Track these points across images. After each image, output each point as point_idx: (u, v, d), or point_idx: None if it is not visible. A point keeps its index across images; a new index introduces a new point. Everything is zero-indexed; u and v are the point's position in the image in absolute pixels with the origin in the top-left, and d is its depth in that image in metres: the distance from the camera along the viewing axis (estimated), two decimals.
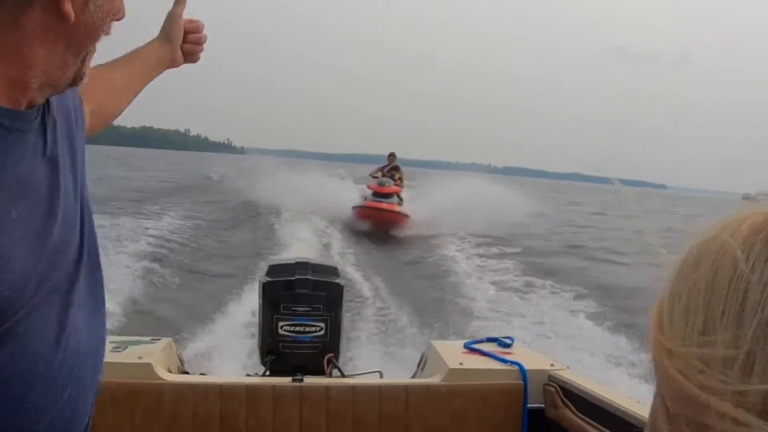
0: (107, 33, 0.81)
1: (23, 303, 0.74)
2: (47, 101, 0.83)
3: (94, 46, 0.81)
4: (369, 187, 15.91)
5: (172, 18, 1.21)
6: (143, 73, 1.20)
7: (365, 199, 15.59)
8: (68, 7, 0.74)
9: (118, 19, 0.82)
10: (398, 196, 15.57)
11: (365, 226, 14.82)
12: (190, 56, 1.26)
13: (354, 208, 15.66)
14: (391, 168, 16.56)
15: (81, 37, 0.77)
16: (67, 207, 0.83)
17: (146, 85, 1.23)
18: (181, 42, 1.23)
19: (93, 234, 0.93)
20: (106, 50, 0.87)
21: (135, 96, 1.22)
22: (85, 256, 0.89)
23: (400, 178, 16.20)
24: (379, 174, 16.44)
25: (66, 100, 0.91)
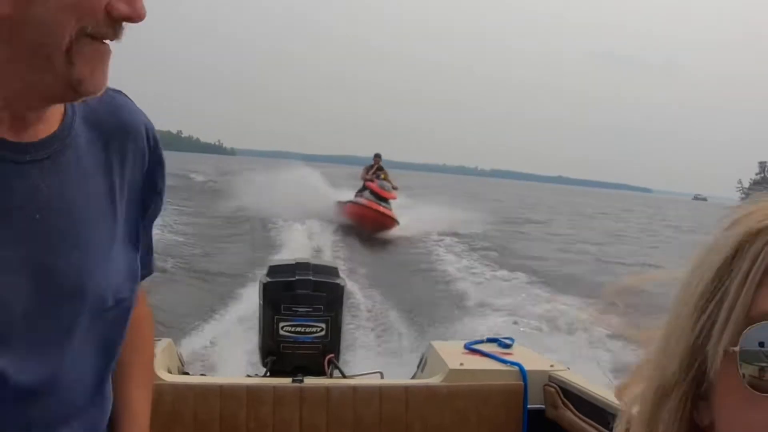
0: (89, 30, 0.70)
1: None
2: (64, 126, 0.77)
3: (85, 43, 0.70)
4: (368, 186, 16.06)
5: None
6: None
7: (361, 197, 15.75)
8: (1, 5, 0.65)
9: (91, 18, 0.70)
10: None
11: (352, 222, 15.10)
12: None
13: (341, 203, 15.98)
14: (377, 168, 17.01)
15: (33, 35, 0.68)
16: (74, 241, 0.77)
17: None
18: None
19: (126, 272, 0.85)
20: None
21: None
22: (110, 301, 0.81)
23: (386, 178, 16.58)
24: (369, 175, 16.74)
25: (125, 126, 0.85)
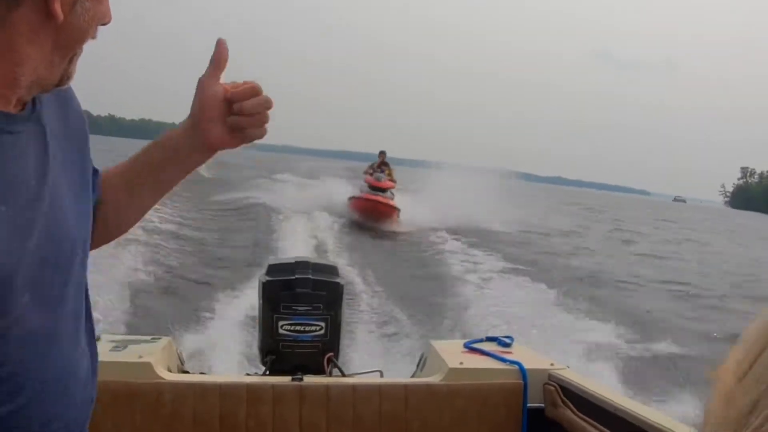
0: (94, 37, 0.82)
1: (10, 292, 0.76)
2: (34, 100, 0.85)
3: (82, 48, 0.83)
4: (366, 181, 17.08)
5: (197, 87, 0.95)
6: (155, 167, 0.99)
7: (361, 192, 16.80)
8: (57, 7, 0.75)
9: (104, 23, 0.83)
10: (391, 192, 16.88)
11: (358, 216, 16.01)
12: (243, 133, 0.96)
13: (350, 198, 16.98)
14: (381, 164, 17.88)
15: (68, 39, 0.79)
16: (61, 203, 0.85)
17: (167, 185, 1.02)
18: (220, 116, 0.94)
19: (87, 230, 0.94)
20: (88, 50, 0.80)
21: (145, 209, 1.06)
22: (79, 254, 0.90)
23: (389, 174, 17.48)
24: (371, 170, 17.77)
25: (65, 95, 0.93)
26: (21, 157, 0.79)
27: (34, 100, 0.85)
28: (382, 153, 18.21)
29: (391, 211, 16.12)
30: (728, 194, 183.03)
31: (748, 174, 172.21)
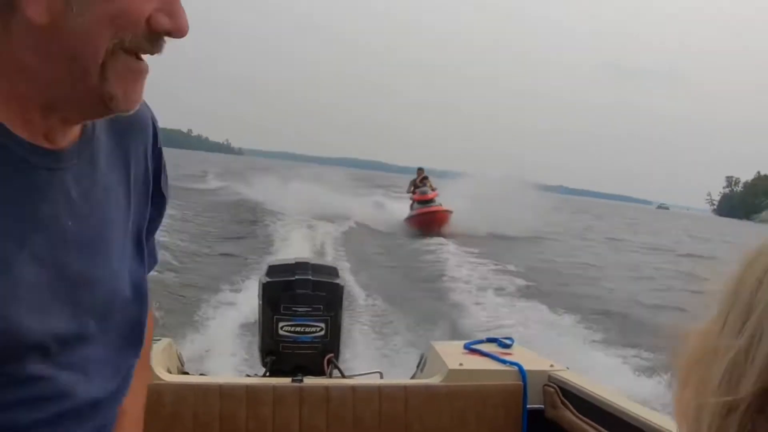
0: (126, 44, 0.67)
1: (23, 343, 0.68)
2: (86, 131, 0.76)
3: (137, 64, 0.69)
4: (414, 199, 18.91)
5: None
6: None
7: (413, 210, 18.73)
8: (32, 11, 0.64)
9: (129, 27, 0.67)
10: (435, 200, 18.67)
11: (420, 230, 17.57)
12: None
13: (406, 219, 18.77)
14: (422, 179, 19.62)
15: (69, 46, 0.66)
16: (106, 254, 0.78)
17: None
18: None
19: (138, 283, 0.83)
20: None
21: None
22: (128, 303, 0.81)
23: (431, 185, 19.24)
24: (413, 187, 19.42)
25: (135, 127, 0.84)
26: (57, 197, 0.71)
27: (87, 132, 0.76)
28: (420, 170, 20.01)
29: (447, 215, 18.08)
30: (714, 202, 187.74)
31: (732, 183, 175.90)
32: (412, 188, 19.51)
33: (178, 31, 0.69)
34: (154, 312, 1.05)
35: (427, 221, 17.93)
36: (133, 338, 0.83)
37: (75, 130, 0.75)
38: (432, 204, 18.47)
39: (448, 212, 18.23)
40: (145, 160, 0.87)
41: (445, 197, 19.02)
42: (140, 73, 0.71)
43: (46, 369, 0.71)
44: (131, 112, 0.72)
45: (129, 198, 0.83)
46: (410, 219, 18.67)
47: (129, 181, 0.83)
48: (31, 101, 0.69)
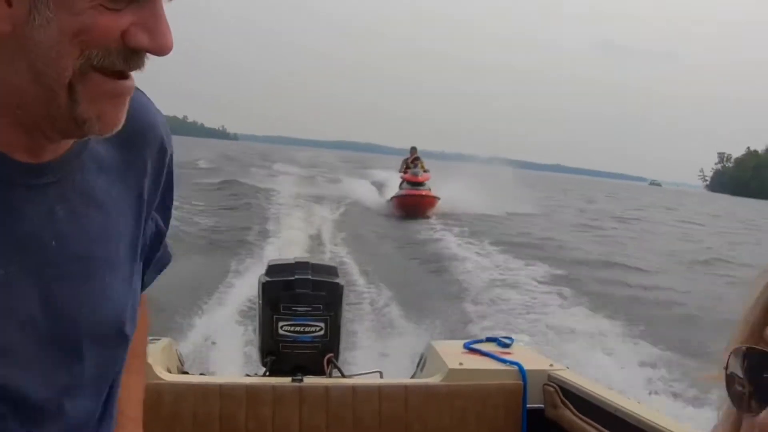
0: (96, 62, 0.60)
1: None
2: (77, 142, 0.70)
3: (110, 83, 0.62)
4: (404, 178, 18.26)
5: None
6: None
7: (401, 189, 18.09)
8: None
9: (91, 44, 0.59)
10: (427, 184, 18.18)
11: (403, 212, 17.31)
12: None
13: (391, 198, 18.33)
14: (414, 159, 18.91)
15: (31, 61, 0.59)
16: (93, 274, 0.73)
17: None
18: None
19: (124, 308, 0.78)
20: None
21: None
22: (117, 328, 0.77)
23: (422, 167, 18.62)
24: (404, 166, 18.89)
25: (143, 147, 0.79)
26: (38, 216, 0.67)
27: (78, 144, 0.70)
28: (414, 149, 19.21)
29: (433, 201, 17.64)
30: (707, 178, 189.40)
31: (725, 159, 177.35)
32: (404, 167, 18.90)
33: (159, 50, 0.61)
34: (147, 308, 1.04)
35: (413, 204, 17.48)
36: (120, 360, 0.81)
37: (64, 144, 0.70)
38: (421, 188, 17.95)
39: (435, 198, 17.83)
40: (156, 169, 0.82)
41: (435, 182, 18.79)
42: (118, 95, 0.63)
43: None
44: (112, 134, 0.65)
45: (140, 212, 0.79)
46: (396, 199, 18.12)
47: (139, 194, 0.78)
48: (6, 117, 0.64)
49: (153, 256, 0.91)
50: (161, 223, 0.89)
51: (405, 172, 18.50)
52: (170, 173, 0.87)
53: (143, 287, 0.89)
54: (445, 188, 18.92)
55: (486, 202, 19.26)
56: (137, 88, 0.77)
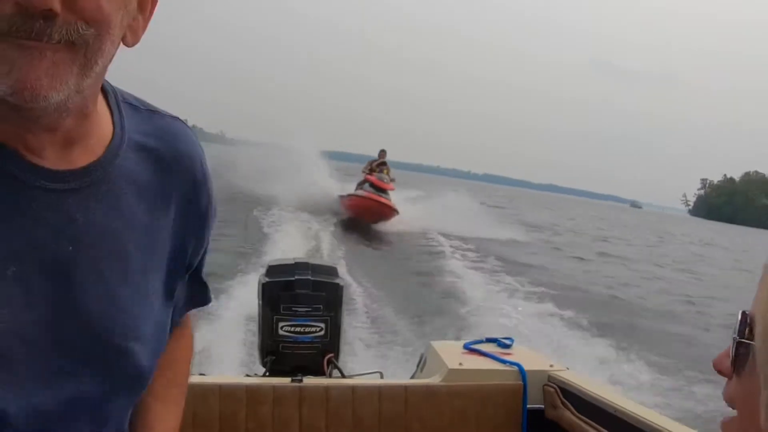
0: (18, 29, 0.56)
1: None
2: (106, 155, 0.70)
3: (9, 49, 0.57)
4: (368, 179, 16.66)
5: None
6: None
7: (362, 189, 16.40)
8: None
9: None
10: (388, 193, 16.58)
11: (354, 214, 15.75)
12: None
13: (347, 195, 16.60)
14: (380, 163, 17.58)
15: None
16: (109, 289, 0.71)
17: None
18: None
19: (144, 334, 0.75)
20: None
21: None
22: (132, 347, 0.73)
23: (388, 173, 17.21)
24: (369, 168, 17.41)
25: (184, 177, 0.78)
26: (57, 219, 0.66)
27: (107, 156, 0.70)
28: (383, 152, 17.78)
29: (391, 213, 16.11)
30: (689, 203, 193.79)
31: (707, 185, 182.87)
32: (368, 169, 17.28)
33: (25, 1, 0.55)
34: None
35: (368, 208, 15.68)
36: (128, 382, 0.76)
37: (93, 152, 0.70)
38: (384, 195, 16.12)
39: (393, 210, 16.16)
40: (188, 199, 0.80)
41: (398, 198, 17.18)
42: (22, 52, 0.57)
43: None
44: (41, 102, 0.59)
45: (168, 234, 0.77)
46: (349, 199, 16.34)
47: (160, 223, 0.77)
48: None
49: (184, 290, 0.87)
50: (191, 257, 0.85)
51: (370, 174, 16.92)
52: (205, 207, 0.84)
53: (174, 319, 0.85)
54: (409, 204, 17.56)
55: (452, 225, 17.62)
56: (181, 120, 0.79)
